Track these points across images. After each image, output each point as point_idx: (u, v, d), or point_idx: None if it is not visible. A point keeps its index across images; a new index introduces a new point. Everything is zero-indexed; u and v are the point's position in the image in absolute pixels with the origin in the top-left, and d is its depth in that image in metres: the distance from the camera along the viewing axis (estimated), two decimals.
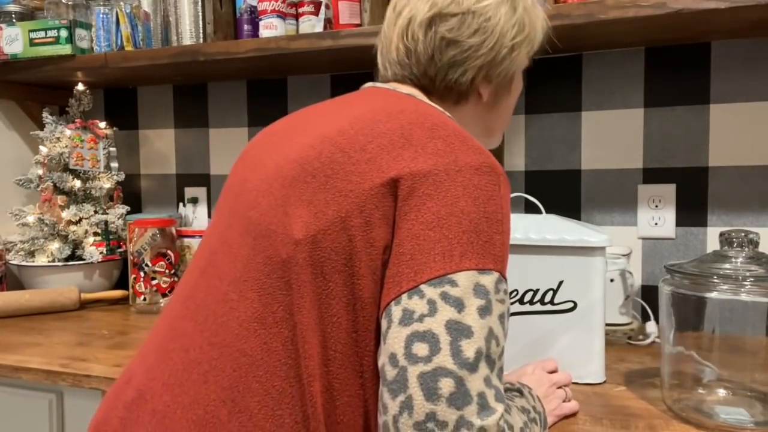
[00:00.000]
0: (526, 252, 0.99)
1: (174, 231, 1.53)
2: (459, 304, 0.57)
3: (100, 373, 1.05)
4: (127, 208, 1.65)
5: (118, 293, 1.58)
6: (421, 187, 0.62)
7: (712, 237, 1.33)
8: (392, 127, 0.67)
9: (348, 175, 0.65)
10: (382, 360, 0.59)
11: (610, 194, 1.40)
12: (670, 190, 1.35)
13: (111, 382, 1.04)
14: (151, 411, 0.66)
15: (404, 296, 0.59)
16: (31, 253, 1.58)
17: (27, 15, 1.62)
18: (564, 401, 0.88)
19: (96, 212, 1.62)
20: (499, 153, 1.46)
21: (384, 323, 0.60)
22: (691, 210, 1.34)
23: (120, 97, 1.87)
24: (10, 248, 1.60)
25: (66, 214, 1.57)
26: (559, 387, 0.89)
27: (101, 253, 1.58)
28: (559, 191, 1.44)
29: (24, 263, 1.55)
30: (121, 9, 1.50)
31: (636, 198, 1.38)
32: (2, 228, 1.67)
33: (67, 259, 1.57)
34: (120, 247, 1.65)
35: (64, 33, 1.50)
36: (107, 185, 1.64)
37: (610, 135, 1.39)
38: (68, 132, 1.60)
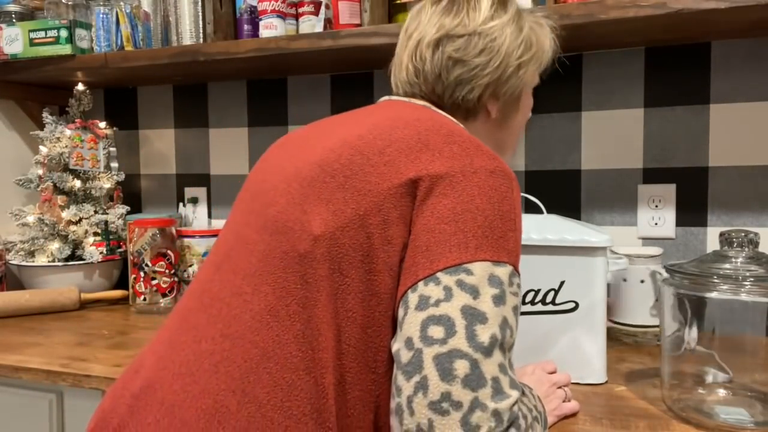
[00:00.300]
0: (527, 252, 0.99)
1: (174, 231, 1.53)
2: (474, 291, 0.59)
3: (100, 373, 1.05)
4: (127, 208, 1.65)
5: (118, 293, 1.58)
6: (438, 187, 0.65)
7: (712, 237, 1.33)
8: (409, 133, 0.70)
9: (367, 176, 0.67)
10: (398, 345, 0.60)
11: (610, 194, 1.40)
12: (670, 190, 1.35)
13: (111, 382, 1.04)
14: (160, 400, 0.66)
15: (420, 283, 0.61)
16: (31, 253, 1.58)
17: (27, 15, 1.62)
18: (564, 401, 0.88)
19: (96, 212, 1.62)
20: None
21: (401, 311, 0.62)
22: (691, 210, 1.34)
23: (120, 97, 1.87)
24: (10, 248, 1.60)
25: (66, 214, 1.57)
26: (559, 387, 0.89)
27: (101, 253, 1.58)
28: (559, 191, 1.44)
29: (24, 263, 1.55)
30: (121, 9, 1.51)
31: (636, 198, 1.38)
32: (2, 228, 1.67)
33: (67, 259, 1.57)
34: (120, 247, 1.65)
35: (64, 33, 1.50)
36: (107, 185, 1.64)
37: (610, 135, 1.40)
38: (68, 132, 1.60)
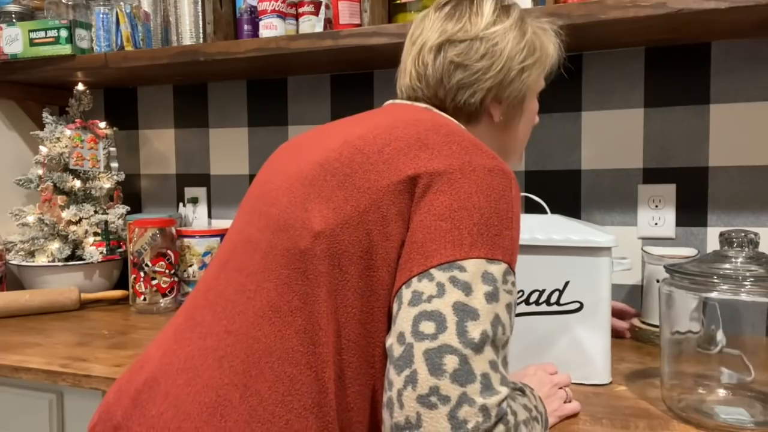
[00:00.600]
0: (532, 252, 0.99)
1: (174, 231, 1.53)
2: (467, 288, 0.60)
3: (100, 373, 1.05)
4: (127, 208, 1.65)
5: (118, 293, 1.58)
6: (436, 184, 0.66)
7: (712, 237, 1.33)
8: (409, 133, 0.71)
9: (366, 173, 0.68)
10: (391, 340, 0.61)
11: (610, 194, 1.40)
12: (670, 190, 1.35)
13: (111, 382, 1.04)
14: (164, 393, 0.67)
15: (414, 279, 0.62)
16: (31, 253, 1.58)
17: (27, 15, 1.62)
18: (565, 402, 0.88)
19: (96, 212, 1.62)
20: None
21: (395, 306, 0.63)
22: (691, 210, 1.34)
23: (120, 97, 1.87)
24: (10, 248, 1.60)
25: (66, 214, 1.57)
26: (560, 388, 0.89)
27: (101, 253, 1.58)
28: (559, 191, 1.44)
29: (24, 263, 1.55)
30: (121, 9, 1.50)
31: (636, 198, 1.38)
32: (2, 228, 1.67)
33: (67, 259, 1.57)
34: (120, 247, 1.65)
35: (64, 33, 1.50)
36: (107, 185, 1.64)
37: (610, 135, 1.40)
38: (68, 132, 1.60)
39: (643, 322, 1.25)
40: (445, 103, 0.85)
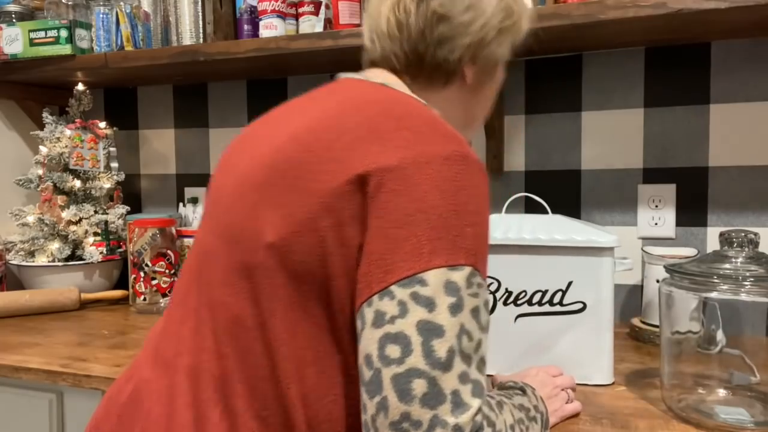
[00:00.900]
0: (535, 252, 0.98)
1: (174, 231, 1.53)
2: (430, 304, 0.57)
3: (100, 373, 1.05)
4: (127, 208, 1.65)
5: (118, 293, 1.58)
6: (389, 182, 0.61)
7: (712, 237, 1.33)
8: (359, 121, 0.66)
9: (315, 174, 0.64)
10: (360, 360, 0.59)
11: (610, 194, 1.40)
12: (670, 190, 1.35)
13: (111, 382, 1.04)
14: (146, 411, 0.68)
15: (375, 297, 0.58)
16: (31, 253, 1.58)
17: (27, 15, 1.62)
18: (567, 403, 0.88)
19: (96, 212, 1.62)
20: (499, 153, 1.46)
21: (358, 324, 0.60)
22: (691, 210, 1.34)
23: (120, 97, 1.87)
24: (10, 248, 1.60)
25: (66, 214, 1.57)
26: (563, 390, 0.89)
27: (101, 253, 1.58)
28: (559, 191, 1.44)
29: (24, 263, 1.55)
30: (121, 9, 1.50)
31: (636, 198, 1.38)
32: (2, 228, 1.67)
33: (67, 259, 1.57)
34: (120, 247, 1.65)
35: (64, 33, 1.50)
36: (107, 185, 1.64)
37: (610, 135, 1.39)
38: (68, 132, 1.60)
39: (643, 322, 1.25)
40: (424, 60, 0.80)
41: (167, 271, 1.50)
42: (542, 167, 1.45)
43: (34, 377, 1.08)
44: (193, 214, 1.70)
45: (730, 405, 0.86)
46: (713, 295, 0.83)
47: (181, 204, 1.79)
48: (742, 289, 0.81)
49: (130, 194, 1.86)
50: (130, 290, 1.51)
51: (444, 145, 0.63)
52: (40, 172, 1.61)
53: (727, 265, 0.84)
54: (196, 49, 1.40)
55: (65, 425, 1.12)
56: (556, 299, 0.98)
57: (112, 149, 1.67)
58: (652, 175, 1.37)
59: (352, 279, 0.62)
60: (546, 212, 1.07)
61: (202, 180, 1.79)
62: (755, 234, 0.86)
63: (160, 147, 1.83)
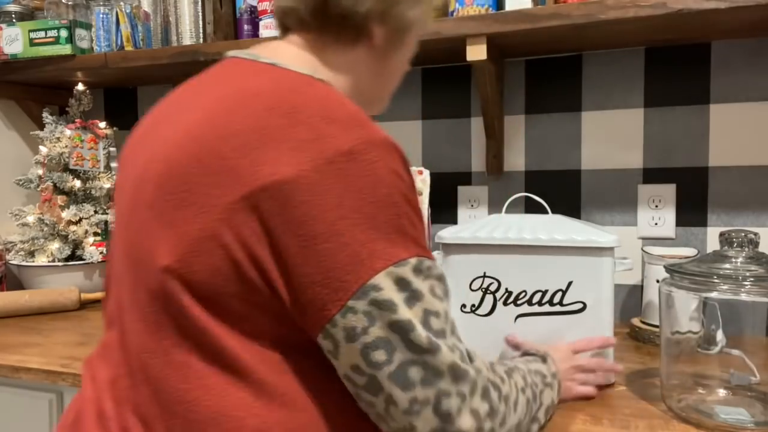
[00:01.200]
0: (535, 252, 0.97)
1: None
2: (391, 306, 0.57)
3: None
4: None
5: None
6: (295, 195, 0.56)
7: (712, 237, 1.33)
8: (246, 121, 0.59)
9: (206, 188, 0.58)
10: (343, 371, 0.59)
11: (610, 194, 1.40)
12: (670, 190, 1.35)
13: None
14: None
15: (337, 317, 0.57)
16: (31, 253, 1.58)
17: (27, 15, 1.62)
18: (582, 384, 0.91)
19: (96, 212, 1.62)
20: (499, 153, 1.46)
21: (327, 343, 0.58)
22: (691, 210, 1.34)
23: (120, 97, 1.87)
24: (10, 248, 1.60)
25: (66, 214, 1.57)
26: (583, 371, 0.92)
27: (101, 253, 1.58)
28: (559, 191, 1.44)
29: (24, 263, 1.55)
30: (121, 9, 1.51)
31: (636, 198, 1.38)
32: (2, 228, 1.67)
33: (67, 259, 1.56)
34: None
35: (64, 33, 1.50)
36: (107, 185, 1.64)
37: (610, 135, 1.39)
38: (68, 132, 1.60)
39: (643, 322, 1.25)
40: (328, 8, 0.73)
41: None
42: (542, 167, 1.45)
43: (34, 377, 1.08)
44: None
45: (730, 405, 0.86)
46: (713, 295, 0.83)
47: None
48: (742, 289, 0.81)
49: None
50: None
51: (345, 136, 0.58)
52: (40, 172, 1.61)
53: (727, 265, 0.84)
54: (196, 49, 1.40)
55: None
56: (556, 299, 0.97)
57: (112, 149, 1.66)
58: (652, 175, 1.37)
59: (270, 296, 0.59)
60: (546, 212, 1.07)
61: None
62: (755, 234, 0.86)
63: None
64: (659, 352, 0.92)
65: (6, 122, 1.74)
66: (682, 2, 1.04)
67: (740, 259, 0.84)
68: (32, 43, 1.52)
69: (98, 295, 1.55)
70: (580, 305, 0.96)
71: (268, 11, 1.37)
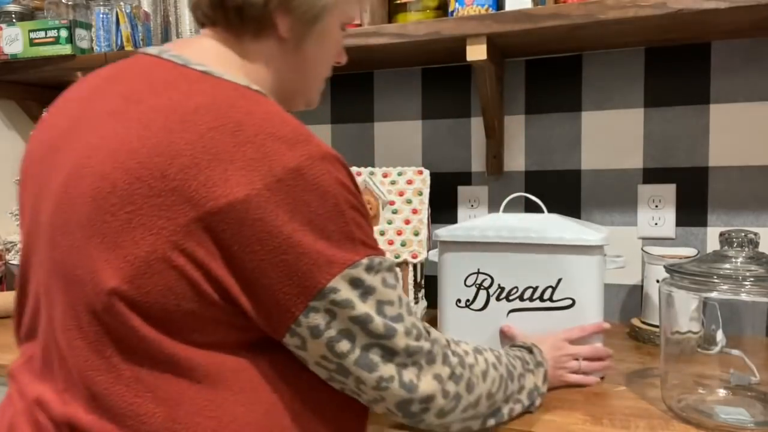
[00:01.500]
0: (526, 250, 1.01)
1: None
2: (349, 303, 0.61)
3: None
4: None
5: None
6: (249, 213, 0.57)
7: (712, 237, 1.33)
8: (191, 139, 0.58)
9: (153, 209, 0.58)
10: (313, 361, 0.64)
11: (610, 194, 1.40)
12: (670, 190, 1.35)
13: None
14: None
15: (300, 318, 0.60)
16: None
17: (27, 15, 1.62)
18: (575, 372, 0.94)
19: None
20: (498, 153, 1.46)
21: (294, 341, 0.62)
22: (691, 210, 1.34)
23: None
24: (10, 248, 1.60)
25: None
26: (576, 359, 0.95)
27: None
28: (559, 191, 1.44)
29: None
30: (121, 9, 1.51)
31: (636, 198, 1.38)
32: (2, 228, 1.67)
33: None
34: None
35: (64, 33, 1.50)
36: None
37: (610, 135, 1.39)
38: None
39: (643, 322, 1.25)
40: (225, 4, 0.71)
41: None
42: (542, 167, 1.45)
43: None
44: None
45: (730, 405, 0.86)
46: (713, 295, 0.83)
47: None
48: (742, 289, 0.81)
49: None
50: None
51: (291, 154, 0.59)
52: None
53: (727, 265, 0.84)
54: None
55: None
56: (546, 295, 1.01)
57: None
58: (652, 175, 1.37)
59: (230, 309, 0.60)
60: (542, 211, 1.09)
61: None
62: (755, 234, 0.86)
63: None
64: (659, 352, 0.92)
65: (6, 122, 1.74)
66: (682, 2, 1.04)
67: (740, 259, 0.84)
68: (32, 43, 1.52)
69: None
70: (570, 301, 1.00)
71: None
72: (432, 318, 1.21)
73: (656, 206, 1.36)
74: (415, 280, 1.32)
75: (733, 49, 1.30)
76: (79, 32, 1.52)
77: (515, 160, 1.47)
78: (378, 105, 1.58)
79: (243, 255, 0.58)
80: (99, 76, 0.72)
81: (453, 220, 1.52)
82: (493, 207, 1.49)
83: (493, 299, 1.04)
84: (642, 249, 1.29)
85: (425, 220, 1.31)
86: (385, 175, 1.36)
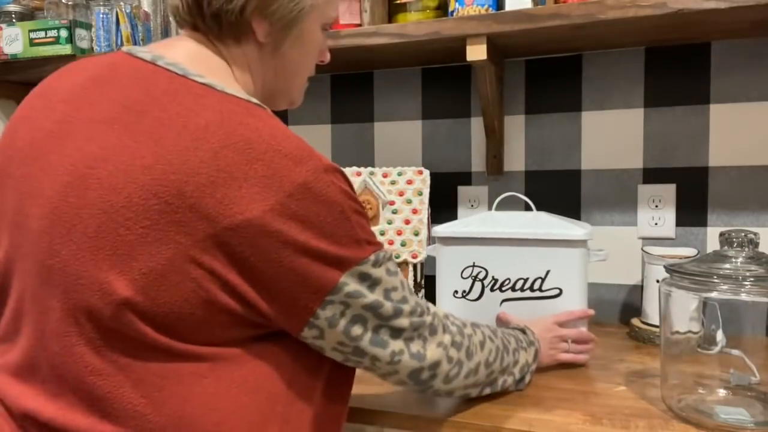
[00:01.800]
0: (518, 245, 1.11)
1: None
2: (359, 294, 0.66)
3: None
4: None
5: None
6: (265, 228, 0.60)
7: (712, 237, 1.33)
8: (205, 157, 0.60)
9: (170, 225, 0.59)
10: (330, 347, 0.69)
11: (610, 194, 1.40)
12: (670, 190, 1.35)
13: None
14: None
15: (318, 311, 0.65)
16: None
17: (27, 15, 1.62)
18: (565, 352, 1.04)
19: None
20: (498, 153, 1.46)
21: (312, 332, 0.67)
22: (691, 210, 1.34)
23: None
24: None
25: None
26: (565, 340, 1.04)
27: None
28: (559, 191, 1.44)
29: None
30: (121, 9, 1.50)
31: (636, 198, 1.38)
32: None
33: None
34: None
35: (64, 33, 1.50)
36: None
37: (610, 135, 1.39)
38: None
39: (643, 322, 1.25)
40: (201, 8, 0.73)
41: None
42: (542, 167, 1.45)
43: None
44: None
45: (730, 405, 0.86)
46: (713, 295, 0.83)
47: None
48: (742, 289, 0.81)
49: None
50: None
51: (298, 169, 0.62)
52: None
53: (727, 265, 0.84)
54: None
55: None
56: (536, 286, 1.10)
57: None
58: (652, 175, 1.37)
59: (240, 319, 0.64)
60: (531, 209, 1.19)
61: None
62: (755, 234, 0.86)
63: None
64: (659, 352, 0.92)
65: (6, 122, 1.74)
66: (682, 2, 1.04)
67: (740, 259, 0.84)
68: (32, 43, 1.52)
69: None
70: (557, 291, 1.09)
71: None
72: None
73: (656, 206, 1.36)
74: (415, 279, 1.33)
75: (733, 49, 1.30)
76: (79, 32, 1.52)
77: (515, 160, 1.47)
78: (378, 105, 1.58)
79: (260, 264, 0.62)
80: (83, 75, 0.71)
81: (453, 220, 1.52)
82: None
83: (487, 290, 1.13)
84: (642, 249, 1.30)
85: (425, 220, 1.31)
86: (385, 175, 1.36)
